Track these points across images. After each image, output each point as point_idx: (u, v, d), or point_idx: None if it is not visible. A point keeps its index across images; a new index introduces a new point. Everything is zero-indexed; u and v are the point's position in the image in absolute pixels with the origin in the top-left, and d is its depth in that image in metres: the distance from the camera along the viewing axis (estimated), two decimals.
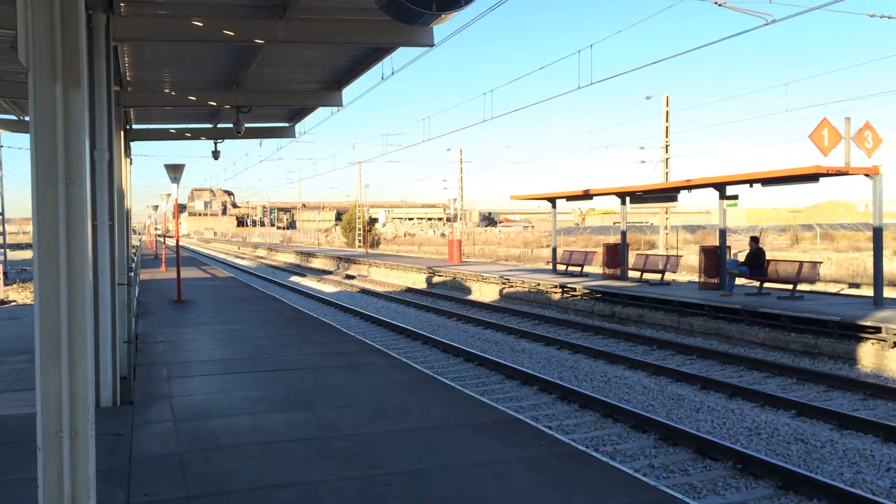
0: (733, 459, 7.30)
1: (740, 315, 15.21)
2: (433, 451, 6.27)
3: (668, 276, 21.21)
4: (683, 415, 9.41)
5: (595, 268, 24.95)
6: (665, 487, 5.46)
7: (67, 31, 3.75)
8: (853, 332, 13.02)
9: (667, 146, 34.21)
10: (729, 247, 19.06)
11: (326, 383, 8.93)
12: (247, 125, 16.07)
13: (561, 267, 25.56)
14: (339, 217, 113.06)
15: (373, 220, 79.14)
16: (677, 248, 33.57)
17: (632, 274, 22.15)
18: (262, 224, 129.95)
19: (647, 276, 21.42)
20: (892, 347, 12.25)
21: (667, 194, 21.56)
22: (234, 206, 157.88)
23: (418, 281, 30.80)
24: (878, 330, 12.67)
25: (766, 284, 17.42)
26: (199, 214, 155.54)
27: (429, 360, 13.13)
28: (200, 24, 9.54)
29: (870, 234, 26.13)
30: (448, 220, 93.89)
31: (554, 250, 26.89)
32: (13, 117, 17.47)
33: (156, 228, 43.72)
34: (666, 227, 34.68)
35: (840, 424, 8.80)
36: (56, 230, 3.73)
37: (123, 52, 11.70)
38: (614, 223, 67.75)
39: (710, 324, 15.65)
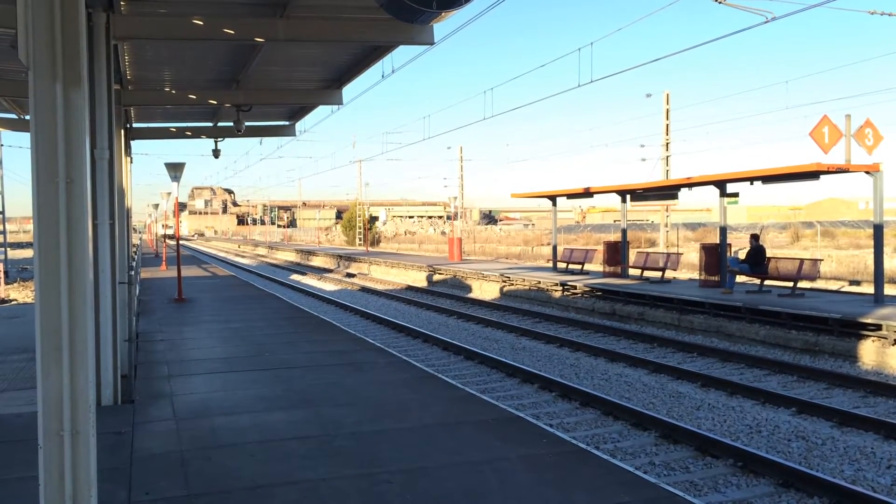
0: (734, 457, 7.30)
1: (741, 313, 15.21)
2: (434, 449, 6.27)
3: (669, 274, 21.21)
4: (684, 412, 9.41)
5: (595, 266, 24.96)
6: (666, 485, 5.47)
7: (67, 30, 3.74)
8: (854, 330, 13.02)
9: (667, 144, 34.20)
10: (729, 244, 19.06)
11: (327, 381, 8.94)
12: (247, 123, 16.06)
13: (561, 265, 25.57)
14: (339, 215, 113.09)
15: (373, 219, 79.14)
16: (678, 245, 33.56)
17: (632, 272, 22.14)
18: (263, 222, 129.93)
19: (647, 273, 21.41)
20: (893, 345, 12.24)
21: (667, 192, 21.54)
22: (235, 204, 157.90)
23: (419, 279, 30.80)
24: (878, 327, 12.67)
25: (767, 282, 17.42)
26: (200, 213, 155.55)
27: (429, 359, 13.14)
28: (201, 23, 9.53)
29: (870, 231, 26.13)
30: (448, 218, 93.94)
31: (554, 248, 26.89)
32: (13, 116, 17.47)
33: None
34: (666, 225, 34.68)
35: (841, 422, 8.80)
36: (56, 229, 3.72)
37: (123, 51, 11.70)
38: (615, 221, 67.75)
39: (710, 321, 15.65)
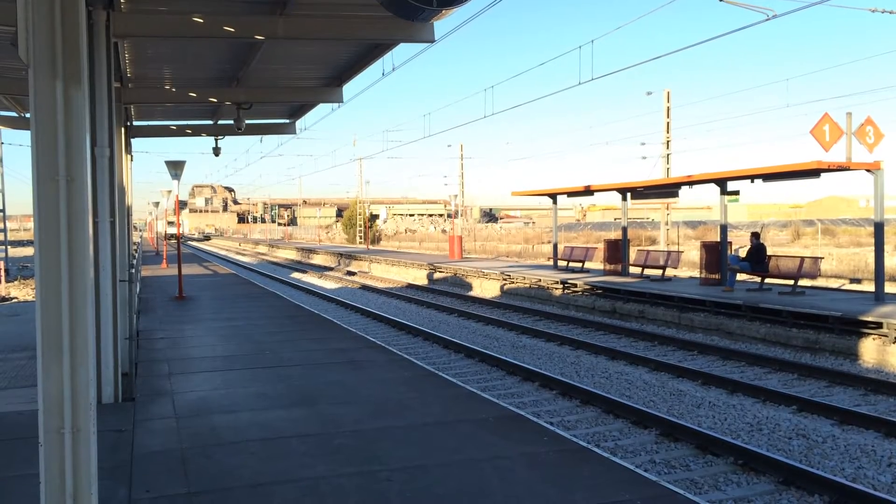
0: (735, 455, 7.30)
1: (741, 311, 15.21)
2: (434, 447, 6.27)
3: (670, 272, 21.20)
4: (685, 410, 9.41)
5: (596, 264, 24.96)
6: (666, 483, 5.47)
7: (68, 28, 3.74)
8: (854, 328, 13.02)
9: (668, 142, 34.17)
10: (730, 242, 19.06)
11: (327, 379, 8.94)
12: (247, 121, 16.05)
13: (562, 263, 25.57)
14: (339, 213, 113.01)
15: (373, 217, 79.13)
16: (678, 243, 33.53)
17: (633, 270, 22.14)
18: (263, 220, 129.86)
19: (648, 271, 21.41)
20: (894, 343, 12.24)
21: (668, 190, 21.54)
22: (235, 202, 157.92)
23: (419, 277, 30.80)
24: (879, 325, 12.66)
25: (768, 280, 17.42)
26: (200, 211, 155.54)
27: (430, 357, 13.14)
28: (201, 21, 9.52)
29: (871, 229, 26.11)
30: (449, 216, 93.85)
31: (555, 246, 26.89)
32: (14, 114, 17.47)
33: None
34: (667, 223, 34.65)
35: (841, 420, 8.80)
36: (57, 227, 3.72)
37: (124, 49, 11.69)
38: (615, 219, 67.72)
39: (711, 319, 15.64)
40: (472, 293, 24.91)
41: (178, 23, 9.70)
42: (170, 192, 34.63)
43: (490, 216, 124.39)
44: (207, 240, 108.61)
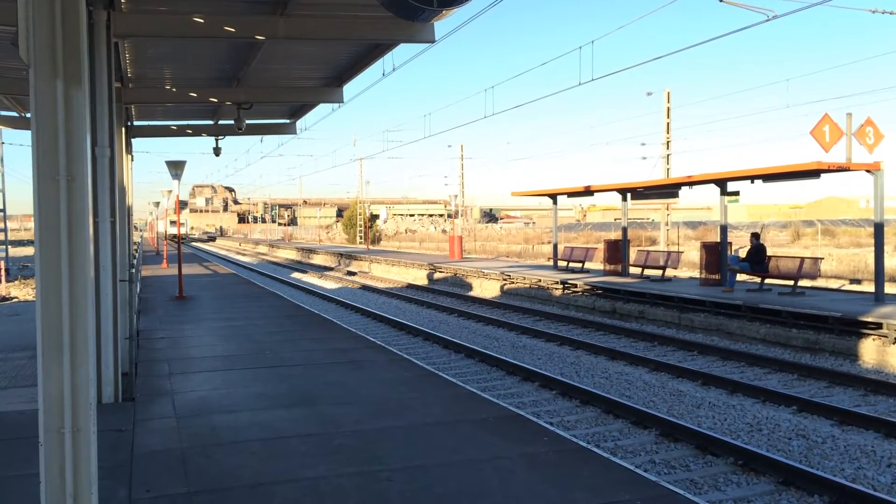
0: (734, 455, 7.31)
1: (741, 311, 15.21)
2: (434, 447, 6.28)
3: (670, 273, 21.21)
4: (685, 411, 9.41)
5: (596, 264, 24.96)
6: (666, 483, 5.47)
7: (68, 28, 3.74)
8: (854, 328, 13.02)
9: (668, 142, 34.17)
10: (730, 243, 19.06)
11: (328, 379, 8.94)
12: (248, 122, 16.06)
13: (562, 263, 25.57)
14: (340, 213, 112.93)
15: (374, 217, 79.13)
16: (678, 244, 33.51)
17: (633, 270, 22.14)
18: (264, 220, 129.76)
19: (648, 272, 21.41)
20: (894, 343, 12.24)
21: (668, 190, 21.54)
22: (236, 202, 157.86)
23: (419, 277, 30.80)
24: (879, 326, 12.66)
25: (767, 280, 17.43)
26: (201, 211, 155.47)
27: (430, 357, 13.14)
28: (201, 21, 9.53)
29: (871, 229, 26.12)
30: (449, 216, 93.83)
31: (555, 246, 26.90)
32: (14, 114, 17.48)
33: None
34: (667, 224, 34.65)
35: (841, 420, 8.80)
36: (57, 227, 3.72)
37: (124, 49, 11.70)
38: (615, 219, 67.74)
39: (711, 320, 15.64)
40: (472, 293, 24.91)
41: (179, 23, 9.71)
42: (170, 191, 34.66)
43: (490, 216, 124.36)
44: (212, 241, 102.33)
